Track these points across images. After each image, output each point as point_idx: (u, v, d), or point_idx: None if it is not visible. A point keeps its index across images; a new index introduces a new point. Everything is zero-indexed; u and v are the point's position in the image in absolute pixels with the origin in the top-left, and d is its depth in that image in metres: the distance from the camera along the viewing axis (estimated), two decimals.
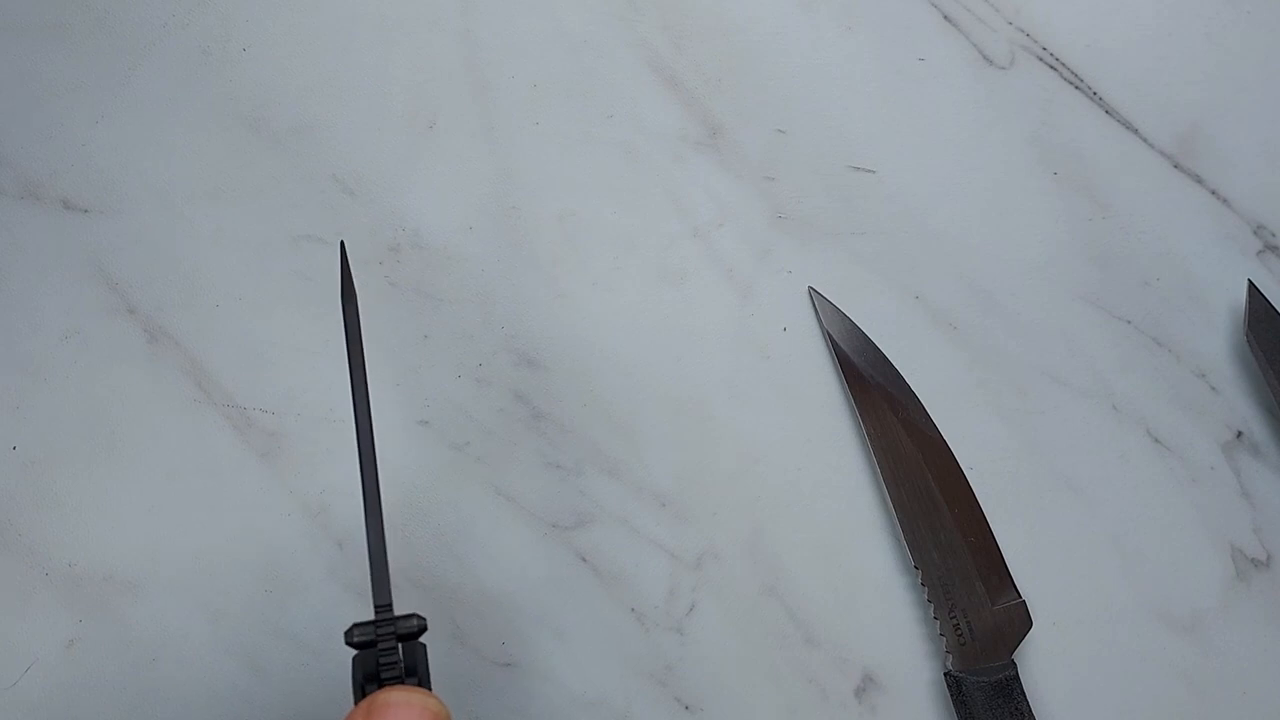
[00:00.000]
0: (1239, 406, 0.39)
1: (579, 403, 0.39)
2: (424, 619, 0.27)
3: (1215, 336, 0.40)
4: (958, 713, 0.35)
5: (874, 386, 0.38)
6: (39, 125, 0.40)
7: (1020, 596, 0.36)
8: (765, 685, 0.37)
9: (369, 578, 0.27)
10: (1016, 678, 0.35)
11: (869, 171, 0.41)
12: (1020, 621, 0.36)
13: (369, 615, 0.36)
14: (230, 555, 0.37)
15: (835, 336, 0.39)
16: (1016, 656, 0.36)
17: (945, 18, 0.43)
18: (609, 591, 0.37)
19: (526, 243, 0.40)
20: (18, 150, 0.40)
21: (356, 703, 0.26)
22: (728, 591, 0.37)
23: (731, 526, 0.38)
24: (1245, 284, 0.39)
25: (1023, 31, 0.43)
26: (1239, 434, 0.39)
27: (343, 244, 0.31)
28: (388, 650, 0.26)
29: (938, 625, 0.36)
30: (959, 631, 0.36)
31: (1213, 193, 0.41)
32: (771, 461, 0.38)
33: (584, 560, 0.37)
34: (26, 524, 0.37)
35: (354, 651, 0.27)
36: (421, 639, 0.27)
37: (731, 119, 0.42)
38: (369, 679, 0.26)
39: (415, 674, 0.26)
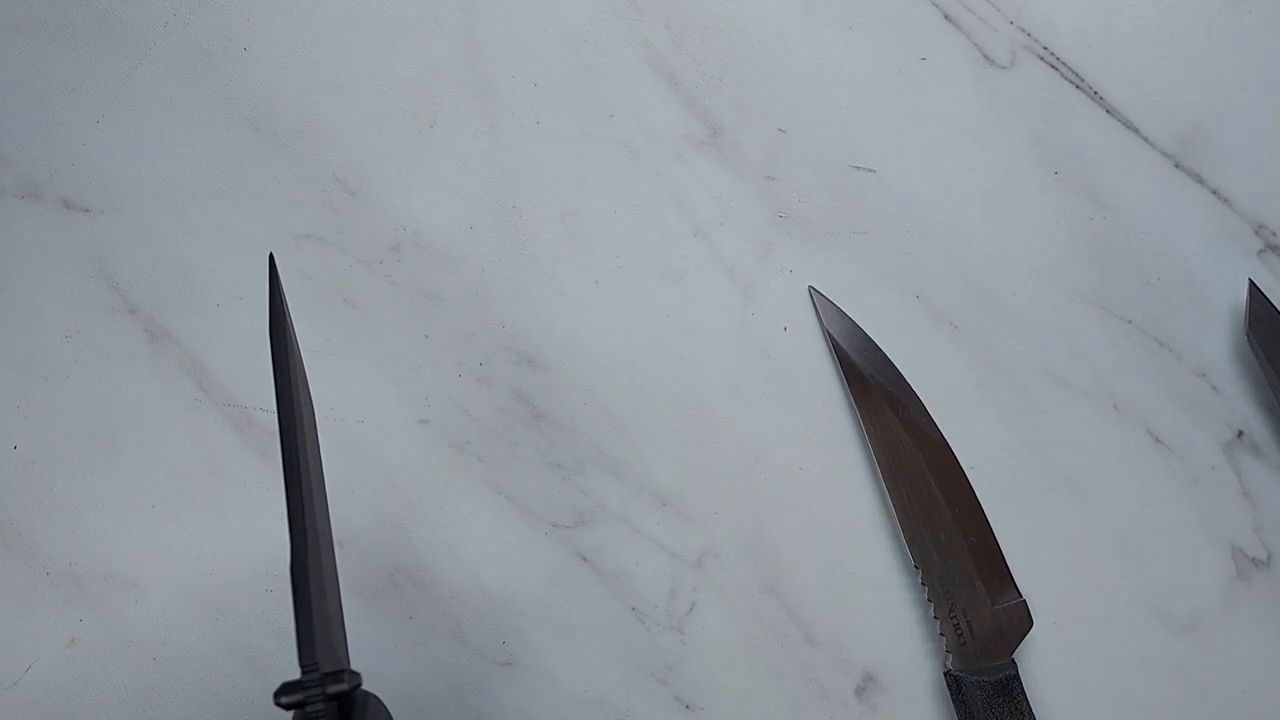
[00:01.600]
0: (1240, 406, 0.39)
1: (580, 402, 0.39)
2: (357, 675, 0.26)
3: (1216, 336, 0.40)
4: (958, 712, 0.35)
5: (874, 386, 0.38)
6: (40, 124, 0.40)
7: (1020, 596, 0.36)
8: (766, 684, 0.37)
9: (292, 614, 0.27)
10: (1017, 677, 0.35)
11: (870, 171, 0.41)
12: (1020, 621, 0.36)
13: (368, 617, 0.37)
14: (231, 554, 0.37)
15: (836, 336, 0.39)
16: (1017, 656, 0.36)
17: (946, 17, 0.43)
18: (610, 591, 0.37)
19: (527, 242, 0.40)
20: (18, 149, 0.40)
21: None
22: (728, 591, 0.37)
23: (732, 526, 0.38)
24: (1246, 283, 0.39)
25: (1024, 31, 0.42)
26: (1240, 433, 0.39)
27: (271, 256, 0.29)
28: (316, 714, 0.25)
29: (938, 625, 0.36)
30: (959, 631, 0.36)
31: (1214, 192, 0.41)
32: (772, 461, 0.38)
33: (584, 559, 0.37)
34: (27, 523, 0.37)
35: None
36: (358, 692, 0.26)
37: (733, 118, 0.42)
38: None
39: None
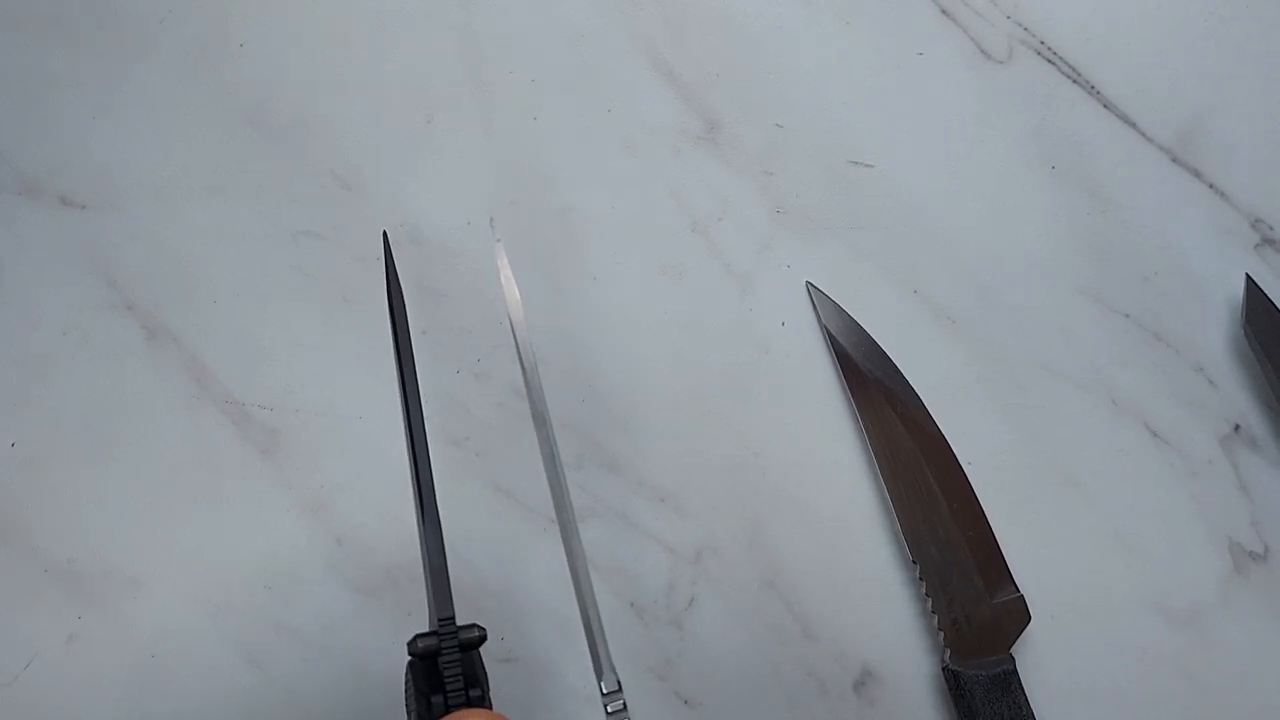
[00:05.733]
0: (1237, 400, 0.39)
1: (578, 397, 0.39)
2: (484, 629, 0.27)
3: (1213, 330, 0.40)
4: (956, 707, 0.35)
5: (872, 381, 0.38)
6: (38, 121, 0.40)
7: (1018, 591, 0.36)
8: (764, 679, 0.37)
9: (425, 588, 0.28)
10: (1015, 672, 0.35)
11: (867, 166, 0.41)
12: (1018, 615, 0.36)
13: (368, 613, 0.37)
14: (230, 551, 0.37)
15: (833, 331, 0.39)
16: (1015, 650, 0.36)
17: (943, 12, 0.43)
18: (608, 586, 0.37)
19: (525, 237, 0.40)
20: (16, 146, 0.40)
21: (410, 709, 0.26)
22: (727, 586, 0.37)
23: (730, 521, 0.38)
24: (1243, 278, 0.39)
25: (1021, 26, 0.42)
26: (1237, 427, 0.39)
27: (385, 234, 0.32)
28: (451, 662, 0.26)
29: (936, 619, 0.36)
30: (957, 625, 0.36)
31: (1211, 187, 0.41)
32: (770, 456, 0.38)
33: None
34: (26, 520, 0.37)
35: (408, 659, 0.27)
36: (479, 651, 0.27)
37: (730, 113, 0.42)
38: (434, 689, 0.26)
39: (476, 683, 0.27)
